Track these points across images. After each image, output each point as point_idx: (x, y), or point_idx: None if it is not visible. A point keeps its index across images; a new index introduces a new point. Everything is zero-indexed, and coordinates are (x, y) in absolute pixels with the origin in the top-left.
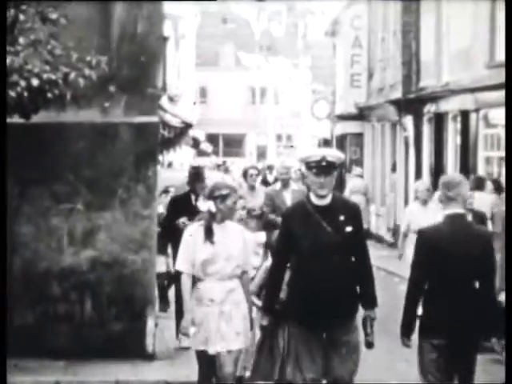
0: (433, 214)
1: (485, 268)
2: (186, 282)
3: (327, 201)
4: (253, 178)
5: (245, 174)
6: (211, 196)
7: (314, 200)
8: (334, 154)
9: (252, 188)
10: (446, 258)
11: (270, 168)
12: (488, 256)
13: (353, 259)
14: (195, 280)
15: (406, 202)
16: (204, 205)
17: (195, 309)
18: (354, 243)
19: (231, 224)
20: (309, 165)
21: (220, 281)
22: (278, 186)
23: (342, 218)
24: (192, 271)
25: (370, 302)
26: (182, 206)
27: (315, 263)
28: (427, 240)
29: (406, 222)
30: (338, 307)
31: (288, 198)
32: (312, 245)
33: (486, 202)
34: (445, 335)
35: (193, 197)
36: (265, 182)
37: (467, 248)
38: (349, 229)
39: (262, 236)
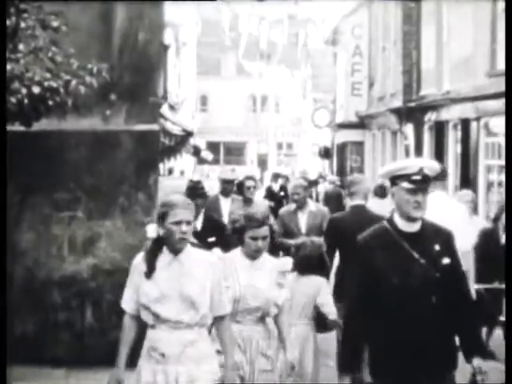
0: (475, 228)
1: None
2: (125, 325)
3: (417, 226)
4: (250, 191)
5: (240, 186)
6: (160, 216)
7: (401, 225)
8: (431, 166)
9: (248, 201)
10: (350, 236)
11: (276, 177)
12: None
13: (452, 300)
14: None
15: None
16: (151, 229)
17: (142, 365)
18: (452, 280)
19: (198, 253)
20: (400, 179)
21: (175, 330)
22: (293, 206)
23: (436, 247)
24: (136, 312)
25: (479, 350)
26: None
27: (405, 307)
28: (335, 224)
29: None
30: (434, 361)
31: (303, 222)
32: (401, 283)
33: (386, 207)
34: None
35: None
36: (271, 194)
37: (366, 227)
38: (446, 261)
39: (287, 262)
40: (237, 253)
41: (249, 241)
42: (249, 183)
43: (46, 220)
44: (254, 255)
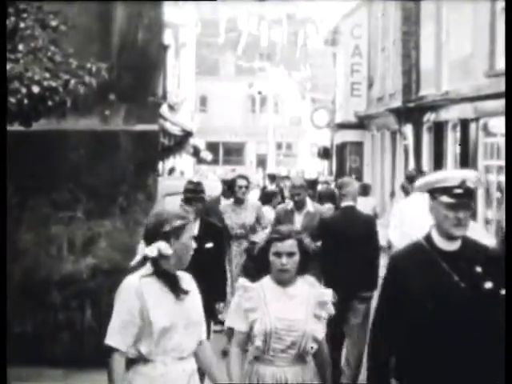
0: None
1: (369, 240)
2: (118, 365)
3: (457, 244)
4: (242, 191)
5: (231, 186)
6: (174, 231)
7: (439, 242)
8: (474, 177)
9: (239, 202)
10: (340, 235)
11: (272, 178)
12: (371, 232)
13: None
14: (132, 361)
15: None
16: (152, 249)
17: None
18: (496, 306)
19: (181, 273)
20: (439, 192)
21: (179, 360)
22: (291, 205)
23: (478, 269)
24: (130, 349)
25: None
26: None
27: (439, 335)
28: (326, 225)
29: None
30: None
31: (299, 223)
32: (437, 308)
33: (369, 204)
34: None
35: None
36: (266, 195)
37: (355, 227)
38: (489, 285)
39: (327, 293)
40: (266, 280)
41: (273, 259)
42: (241, 182)
43: (46, 220)
44: (280, 277)
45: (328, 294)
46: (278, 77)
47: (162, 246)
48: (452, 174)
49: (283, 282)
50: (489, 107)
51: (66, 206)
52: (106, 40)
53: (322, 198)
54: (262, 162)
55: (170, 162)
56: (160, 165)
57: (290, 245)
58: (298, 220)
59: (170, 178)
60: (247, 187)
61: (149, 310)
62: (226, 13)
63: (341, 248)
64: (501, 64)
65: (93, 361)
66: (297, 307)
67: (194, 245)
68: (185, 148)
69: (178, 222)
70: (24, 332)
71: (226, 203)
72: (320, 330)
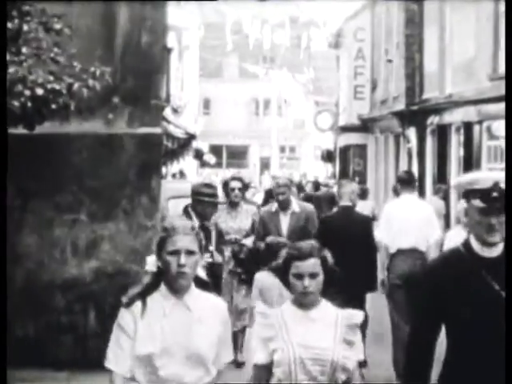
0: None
1: (365, 239)
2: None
3: (498, 250)
4: (235, 194)
5: (225, 187)
6: (158, 244)
7: (478, 249)
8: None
9: (233, 205)
10: (338, 233)
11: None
12: (368, 231)
13: None
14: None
15: None
16: (151, 260)
17: None
18: None
19: (204, 296)
20: (473, 194)
21: None
22: (275, 206)
23: None
24: (128, 372)
25: None
26: None
27: (477, 348)
28: (325, 224)
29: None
30: None
31: (285, 224)
32: (476, 319)
33: (367, 207)
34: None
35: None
36: (268, 198)
37: (352, 226)
38: None
39: (357, 314)
40: (286, 304)
41: (293, 281)
42: (234, 184)
43: (49, 223)
44: (303, 301)
45: (359, 315)
46: (281, 80)
47: (148, 260)
48: (484, 176)
49: (306, 305)
50: (492, 110)
51: (70, 208)
52: (109, 43)
53: (321, 200)
54: (265, 164)
55: (177, 166)
56: (163, 168)
57: (312, 264)
58: (284, 221)
59: (173, 181)
60: (241, 189)
61: (138, 331)
62: (230, 16)
63: (338, 246)
64: (504, 67)
65: (96, 363)
66: (323, 332)
67: (181, 260)
68: (188, 151)
69: (161, 234)
70: (27, 335)
71: (221, 207)
72: (351, 358)
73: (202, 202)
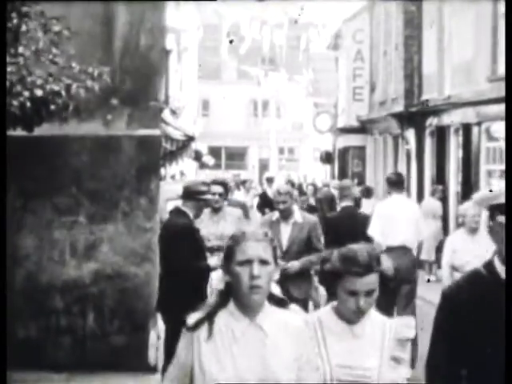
0: (483, 246)
1: (366, 236)
2: None
3: None
4: (216, 200)
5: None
6: (225, 256)
7: (502, 272)
8: None
9: (215, 211)
10: (341, 232)
11: (270, 181)
12: (367, 225)
13: None
14: None
15: None
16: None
17: None
18: None
19: (279, 314)
20: (497, 210)
21: None
22: (276, 215)
23: None
24: None
25: None
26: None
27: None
28: (330, 223)
29: (448, 255)
30: None
31: (286, 235)
32: (499, 349)
33: (371, 206)
34: None
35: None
36: (265, 202)
37: (354, 224)
38: None
39: (408, 323)
40: (325, 313)
41: (343, 295)
42: (215, 189)
43: (48, 225)
44: (352, 318)
45: (411, 326)
46: (280, 81)
47: (213, 276)
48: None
49: (355, 321)
50: (491, 112)
51: (69, 210)
52: (108, 45)
53: (321, 201)
54: (264, 166)
55: (176, 167)
56: (162, 169)
57: (372, 282)
58: (285, 231)
59: (172, 183)
60: (222, 195)
61: (204, 357)
62: (228, 17)
63: (342, 244)
64: (503, 68)
65: (95, 365)
66: (368, 350)
67: (254, 270)
68: (187, 153)
69: (228, 244)
70: (26, 337)
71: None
72: (400, 378)
73: (199, 201)
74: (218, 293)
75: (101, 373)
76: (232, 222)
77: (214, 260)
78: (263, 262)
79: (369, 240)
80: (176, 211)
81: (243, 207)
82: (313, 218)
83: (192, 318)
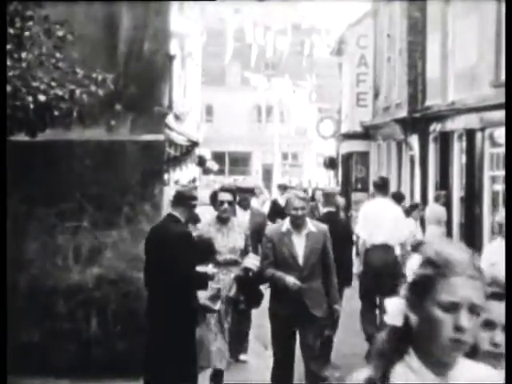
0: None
1: (345, 239)
2: None
3: None
4: (224, 208)
5: (213, 200)
6: (424, 290)
7: None
8: None
9: (223, 221)
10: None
11: (283, 189)
12: (347, 232)
13: None
14: None
15: None
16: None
17: None
18: None
19: (474, 369)
20: None
21: None
22: (286, 225)
23: None
24: None
25: None
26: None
27: None
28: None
29: (487, 270)
30: None
31: (300, 247)
32: None
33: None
34: None
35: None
36: (275, 211)
37: (335, 227)
38: None
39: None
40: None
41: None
42: (223, 197)
43: (52, 230)
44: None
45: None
46: (283, 87)
47: (388, 308)
48: None
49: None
50: (495, 117)
51: (72, 215)
52: (112, 50)
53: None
54: (267, 171)
55: (189, 173)
56: (166, 175)
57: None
58: (299, 243)
59: (175, 188)
60: (231, 203)
61: None
62: (232, 23)
63: None
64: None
65: (98, 370)
66: None
67: (462, 321)
68: (191, 158)
69: (424, 271)
70: (30, 341)
71: (207, 222)
72: None
73: (190, 207)
74: (390, 334)
75: (104, 377)
76: (241, 234)
77: (209, 268)
78: (474, 309)
79: (351, 243)
80: (169, 217)
81: (263, 217)
82: (324, 227)
83: (357, 377)
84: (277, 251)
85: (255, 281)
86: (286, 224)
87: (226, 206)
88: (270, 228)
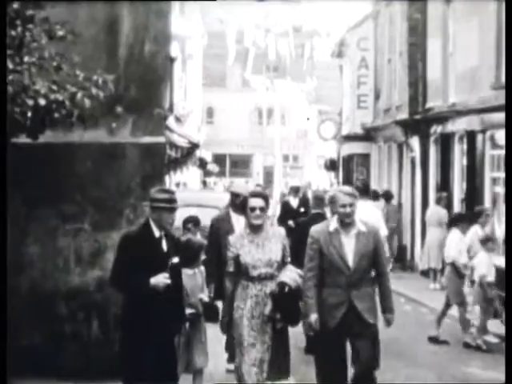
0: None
1: None
2: None
3: None
4: (256, 215)
5: (242, 206)
6: None
7: None
8: None
9: (256, 230)
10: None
11: (296, 191)
12: None
13: None
14: None
15: (413, 223)
16: None
17: None
18: None
19: None
20: None
21: None
22: (333, 224)
23: None
24: None
25: None
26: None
27: None
28: (301, 227)
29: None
30: None
31: (349, 249)
32: None
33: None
34: None
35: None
36: (288, 213)
37: None
38: None
39: None
40: None
41: None
42: (254, 203)
43: (53, 232)
44: None
45: None
46: (284, 89)
47: None
48: None
49: None
50: (495, 119)
51: (73, 218)
52: (112, 52)
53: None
54: (268, 174)
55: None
56: (167, 177)
57: None
58: (348, 244)
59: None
60: (263, 209)
61: None
62: (233, 25)
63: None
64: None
65: (99, 372)
66: None
67: None
68: (191, 160)
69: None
70: (31, 344)
71: (239, 233)
72: None
73: (157, 209)
74: None
75: (105, 380)
76: (277, 245)
77: (158, 278)
78: None
79: None
80: (143, 226)
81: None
82: (375, 227)
83: None
84: (324, 253)
85: (293, 296)
86: (333, 223)
87: (257, 212)
88: (316, 228)
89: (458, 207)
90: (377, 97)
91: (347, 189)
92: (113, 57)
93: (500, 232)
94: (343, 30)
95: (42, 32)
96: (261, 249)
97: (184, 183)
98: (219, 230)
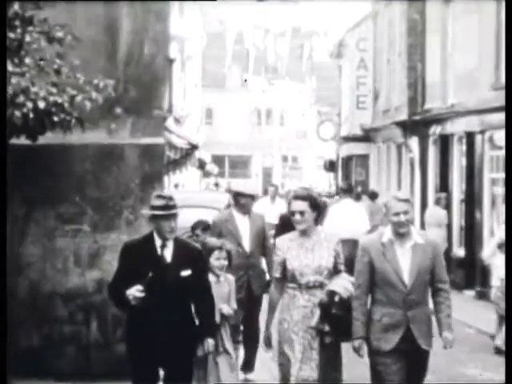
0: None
1: None
2: None
3: None
4: (297, 220)
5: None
6: None
7: None
8: None
9: (304, 232)
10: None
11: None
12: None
13: None
14: None
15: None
16: None
17: None
18: None
19: None
20: None
21: None
22: (387, 235)
23: None
24: None
25: None
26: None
27: None
28: (285, 220)
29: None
30: None
31: (405, 263)
32: None
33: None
34: None
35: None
36: (286, 225)
37: None
38: None
39: None
40: None
41: None
42: (296, 206)
43: (51, 233)
44: None
45: None
46: (283, 90)
47: None
48: None
49: None
50: (494, 120)
51: (72, 219)
52: (111, 53)
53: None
54: (267, 175)
55: (190, 176)
56: (166, 178)
57: None
58: (403, 257)
59: (175, 192)
60: (304, 213)
61: None
62: (232, 26)
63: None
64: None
65: (98, 374)
66: None
67: None
68: (191, 161)
69: None
70: (30, 345)
71: (288, 236)
72: None
73: (155, 217)
74: None
75: (104, 381)
76: (329, 249)
77: (131, 291)
78: None
79: None
80: (147, 237)
81: (263, 220)
82: (434, 239)
83: None
84: (376, 267)
85: (344, 307)
86: (386, 233)
87: (297, 217)
88: (367, 238)
89: (457, 208)
90: (376, 97)
91: (401, 195)
92: (112, 58)
93: (500, 232)
94: (342, 31)
95: (41, 34)
96: (310, 254)
97: (182, 184)
98: (222, 232)
